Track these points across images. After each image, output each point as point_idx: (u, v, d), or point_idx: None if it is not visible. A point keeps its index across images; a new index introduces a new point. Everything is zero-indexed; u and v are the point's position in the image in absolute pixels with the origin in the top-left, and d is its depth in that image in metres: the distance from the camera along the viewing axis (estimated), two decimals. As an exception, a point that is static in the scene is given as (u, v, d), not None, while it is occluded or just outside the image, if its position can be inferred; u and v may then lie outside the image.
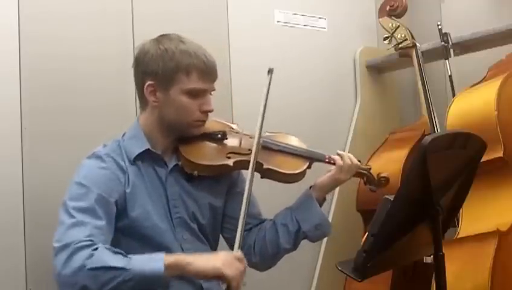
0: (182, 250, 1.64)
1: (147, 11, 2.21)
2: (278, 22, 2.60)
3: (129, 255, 1.46)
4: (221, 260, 1.49)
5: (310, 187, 1.81)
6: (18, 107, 1.93)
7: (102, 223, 1.53)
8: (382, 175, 1.84)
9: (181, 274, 1.50)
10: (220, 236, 1.83)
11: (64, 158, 1.98)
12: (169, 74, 1.62)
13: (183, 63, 1.62)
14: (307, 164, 1.78)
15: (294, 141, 1.83)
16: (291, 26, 2.64)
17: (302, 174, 1.78)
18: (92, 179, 1.58)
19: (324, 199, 1.81)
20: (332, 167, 1.79)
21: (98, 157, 1.63)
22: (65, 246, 1.45)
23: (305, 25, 2.68)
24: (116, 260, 1.44)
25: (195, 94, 1.64)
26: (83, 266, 1.42)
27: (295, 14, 2.65)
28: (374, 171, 1.87)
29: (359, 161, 1.83)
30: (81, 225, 1.49)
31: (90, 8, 2.09)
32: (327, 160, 1.80)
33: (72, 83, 2.04)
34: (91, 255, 1.43)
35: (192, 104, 1.64)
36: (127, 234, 1.60)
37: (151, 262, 1.45)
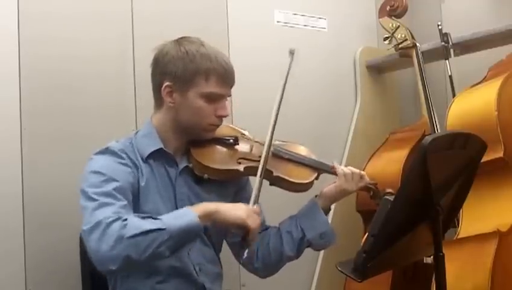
0: (187, 251, 1.65)
1: (147, 12, 2.21)
2: (278, 22, 2.60)
3: (158, 217, 1.47)
4: (244, 210, 1.53)
5: (316, 196, 1.82)
6: (18, 107, 1.93)
7: (124, 203, 1.53)
8: (388, 190, 1.85)
9: (210, 222, 1.51)
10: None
11: (64, 159, 1.98)
12: (188, 76, 1.64)
13: (203, 66, 1.63)
14: (316, 174, 1.81)
15: (304, 151, 1.85)
16: (291, 26, 2.63)
17: (310, 184, 1.80)
18: (110, 170, 1.58)
19: (329, 209, 1.83)
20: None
21: (113, 152, 1.63)
22: (96, 225, 1.44)
23: (305, 25, 2.68)
24: (150, 223, 1.44)
25: (213, 98, 1.66)
26: (120, 237, 1.40)
27: (295, 14, 2.64)
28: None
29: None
30: (106, 205, 1.49)
31: (89, 8, 2.09)
32: (332, 170, 1.82)
33: (71, 83, 2.04)
34: (124, 225, 1.42)
35: (208, 108, 1.66)
36: None
37: (183, 217, 1.47)
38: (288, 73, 1.72)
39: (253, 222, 1.53)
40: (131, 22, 2.17)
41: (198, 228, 1.47)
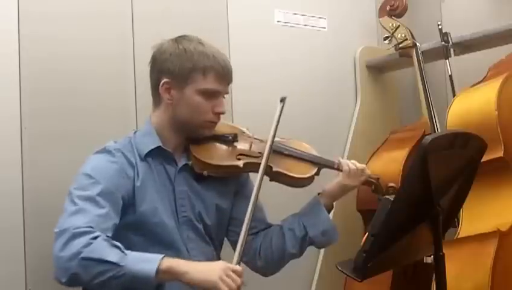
0: (187, 249, 1.65)
1: (147, 12, 2.20)
2: (278, 21, 2.60)
3: (127, 251, 1.44)
4: (218, 273, 1.43)
5: (318, 194, 1.82)
6: (18, 107, 1.93)
7: (104, 211, 1.52)
8: (390, 185, 1.84)
9: (174, 280, 1.46)
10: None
11: (64, 158, 1.98)
12: (186, 73, 1.65)
13: (200, 63, 1.65)
14: (316, 169, 1.80)
15: (304, 147, 1.84)
16: (291, 26, 2.63)
17: (310, 179, 1.79)
18: (100, 172, 1.58)
19: (332, 207, 1.83)
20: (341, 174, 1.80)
21: (108, 151, 1.64)
22: (64, 231, 1.45)
23: (305, 25, 2.68)
24: (111, 254, 1.42)
25: (210, 95, 1.66)
26: (78, 253, 1.41)
27: (295, 14, 2.64)
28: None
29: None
30: (83, 212, 1.49)
31: (89, 8, 2.09)
32: (336, 166, 1.81)
33: (71, 83, 2.03)
34: (89, 244, 1.42)
35: (205, 104, 1.66)
36: (134, 230, 1.61)
37: (145, 263, 1.42)
38: (279, 119, 1.69)
39: (228, 286, 1.42)
40: (131, 22, 2.17)
41: (150, 282, 1.41)
